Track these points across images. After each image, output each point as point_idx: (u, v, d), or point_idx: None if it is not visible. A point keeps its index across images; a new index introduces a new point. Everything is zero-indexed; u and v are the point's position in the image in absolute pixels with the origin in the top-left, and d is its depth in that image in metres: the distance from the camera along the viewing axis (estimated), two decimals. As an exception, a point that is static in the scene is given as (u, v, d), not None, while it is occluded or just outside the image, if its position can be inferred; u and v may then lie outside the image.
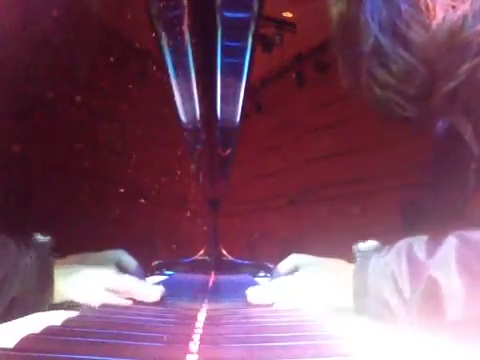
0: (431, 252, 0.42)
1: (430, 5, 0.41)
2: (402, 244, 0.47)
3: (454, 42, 0.42)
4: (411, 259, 0.44)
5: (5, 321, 0.42)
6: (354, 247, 0.54)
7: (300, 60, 3.28)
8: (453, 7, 0.41)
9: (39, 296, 0.50)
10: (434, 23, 0.41)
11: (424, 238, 0.45)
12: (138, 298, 0.55)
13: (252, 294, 0.56)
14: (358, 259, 0.52)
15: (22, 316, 0.46)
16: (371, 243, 0.53)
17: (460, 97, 0.44)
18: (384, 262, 0.47)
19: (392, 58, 0.45)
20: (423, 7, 0.42)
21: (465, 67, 0.42)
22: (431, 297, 0.41)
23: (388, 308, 0.45)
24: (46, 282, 0.51)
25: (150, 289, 0.56)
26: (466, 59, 0.42)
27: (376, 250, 0.51)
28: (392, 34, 0.44)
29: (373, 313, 0.47)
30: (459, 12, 0.41)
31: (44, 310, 0.49)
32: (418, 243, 0.45)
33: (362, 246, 0.53)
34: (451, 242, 0.41)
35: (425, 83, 0.45)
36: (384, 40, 0.45)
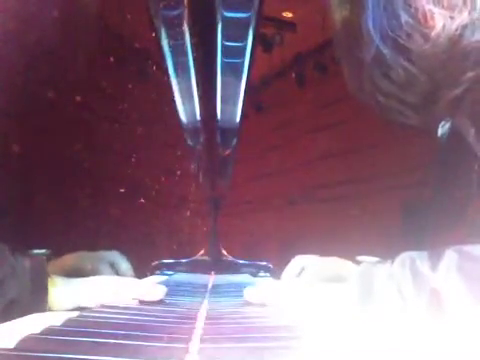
0: (433, 266, 0.46)
1: (428, 15, 0.42)
2: (405, 258, 0.50)
3: (454, 51, 0.42)
4: (415, 272, 0.47)
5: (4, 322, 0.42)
6: (358, 258, 0.56)
7: (300, 60, 3.28)
8: (451, 17, 0.41)
9: (35, 299, 0.50)
10: (433, 33, 0.42)
11: (425, 253, 0.49)
12: (141, 298, 0.56)
13: (249, 293, 0.57)
14: (363, 265, 0.53)
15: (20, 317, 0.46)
16: (373, 258, 0.56)
17: (464, 103, 0.45)
18: (389, 273, 0.49)
19: (393, 68, 0.46)
20: (422, 17, 0.42)
21: (469, 74, 0.42)
22: (434, 307, 0.44)
23: (393, 314, 0.48)
24: (41, 286, 0.52)
25: (153, 288, 0.58)
26: (468, 67, 0.42)
27: (379, 262, 0.54)
28: (393, 44, 0.45)
29: (377, 317, 0.49)
30: (457, 22, 0.41)
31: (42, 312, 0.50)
32: (420, 257, 0.48)
33: (365, 258, 0.55)
34: (451, 256, 0.45)
35: (427, 92, 0.46)
36: (385, 50, 0.45)
